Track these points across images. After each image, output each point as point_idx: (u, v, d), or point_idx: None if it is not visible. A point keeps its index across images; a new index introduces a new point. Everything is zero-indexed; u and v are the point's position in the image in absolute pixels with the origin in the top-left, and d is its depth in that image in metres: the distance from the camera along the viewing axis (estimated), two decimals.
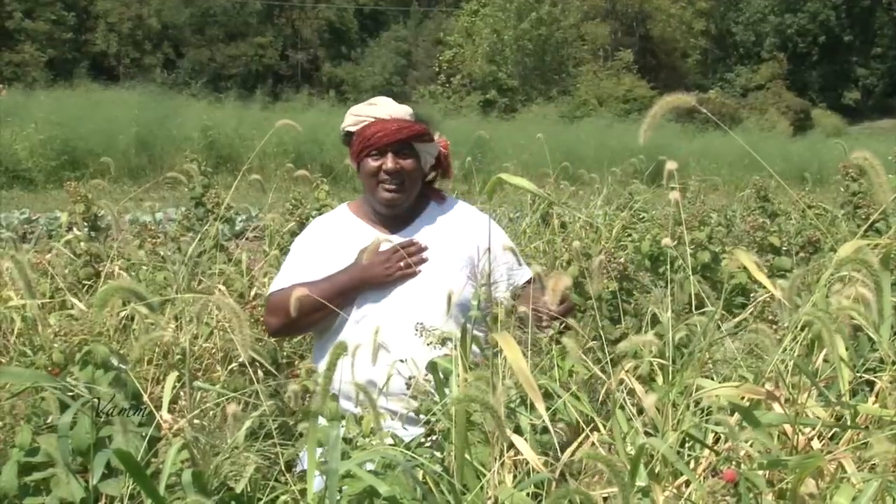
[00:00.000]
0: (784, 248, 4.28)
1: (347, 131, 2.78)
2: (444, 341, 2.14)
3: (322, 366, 2.52)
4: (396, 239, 2.75)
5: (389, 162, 2.70)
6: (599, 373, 2.02)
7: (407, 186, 2.75)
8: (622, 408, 1.89)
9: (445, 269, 2.71)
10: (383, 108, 2.73)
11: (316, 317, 2.72)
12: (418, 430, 2.07)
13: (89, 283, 3.61)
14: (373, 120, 2.71)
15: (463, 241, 2.78)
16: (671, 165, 2.79)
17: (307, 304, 2.46)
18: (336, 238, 2.83)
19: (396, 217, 2.81)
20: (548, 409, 2.02)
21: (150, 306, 1.79)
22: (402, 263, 2.68)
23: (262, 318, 3.03)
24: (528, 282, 2.76)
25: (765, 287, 2.03)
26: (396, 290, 2.70)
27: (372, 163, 2.72)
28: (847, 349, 1.82)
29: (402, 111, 2.73)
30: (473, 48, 41.32)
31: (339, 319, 2.70)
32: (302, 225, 4.78)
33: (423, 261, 2.72)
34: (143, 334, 2.59)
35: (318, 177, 5.25)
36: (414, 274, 2.70)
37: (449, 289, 2.41)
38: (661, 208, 6.16)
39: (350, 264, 2.71)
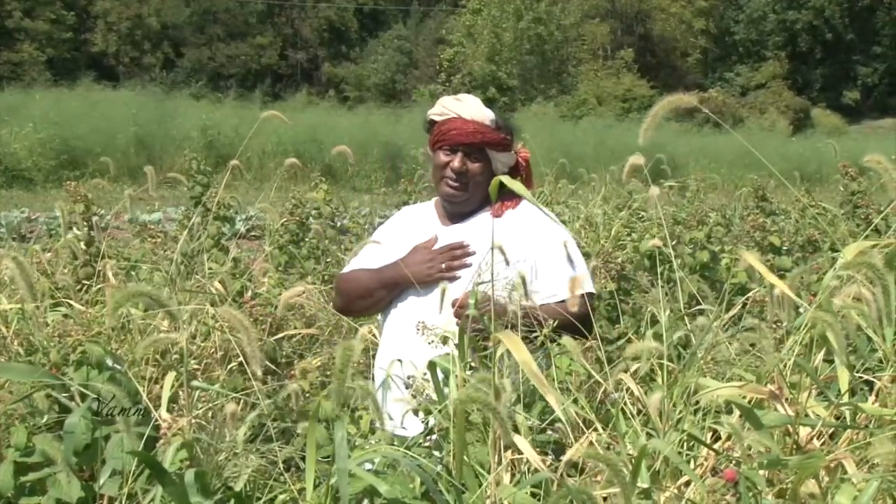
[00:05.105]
0: (784, 248, 4.27)
1: (431, 119, 2.82)
2: (444, 340, 2.13)
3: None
4: (449, 232, 2.77)
5: (457, 161, 2.74)
6: (596, 375, 2.01)
7: (470, 188, 2.78)
8: (622, 409, 1.88)
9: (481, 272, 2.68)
10: (467, 108, 2.76)
11: (363, 304, 2.82)
12: (418, 428, 2.06)
13: (88, 282, 3.60)
14: (455, 116, 2.75)
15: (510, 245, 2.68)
16: (636, 160, 2.75)
17: (355, 291, 2.73)
18: (408, 227, 2.88)
19: (460, 213, 2.83)
20: (546, 409, 2.02)
21: (168, 312, 1.75)
22: (444, 265, 2.68)
23: (260, 318, 3.05)
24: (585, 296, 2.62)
25: (763, 287, 2.02)
26: (435, 289, 2.63)
27: (442, 157, 2.78)
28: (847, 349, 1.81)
29: (484, 115, 2.76)
30: (474, 47, 41.24)
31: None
32: (301, 224, 4.78)
33: (467, 265, 2.68)
34: (145, 336, 2.57)
35: (318, 176, 5.25)
36: (454, 277, 2.66)
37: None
38: (651, 207, 6.13)
39: (399, 258, 2.74)
